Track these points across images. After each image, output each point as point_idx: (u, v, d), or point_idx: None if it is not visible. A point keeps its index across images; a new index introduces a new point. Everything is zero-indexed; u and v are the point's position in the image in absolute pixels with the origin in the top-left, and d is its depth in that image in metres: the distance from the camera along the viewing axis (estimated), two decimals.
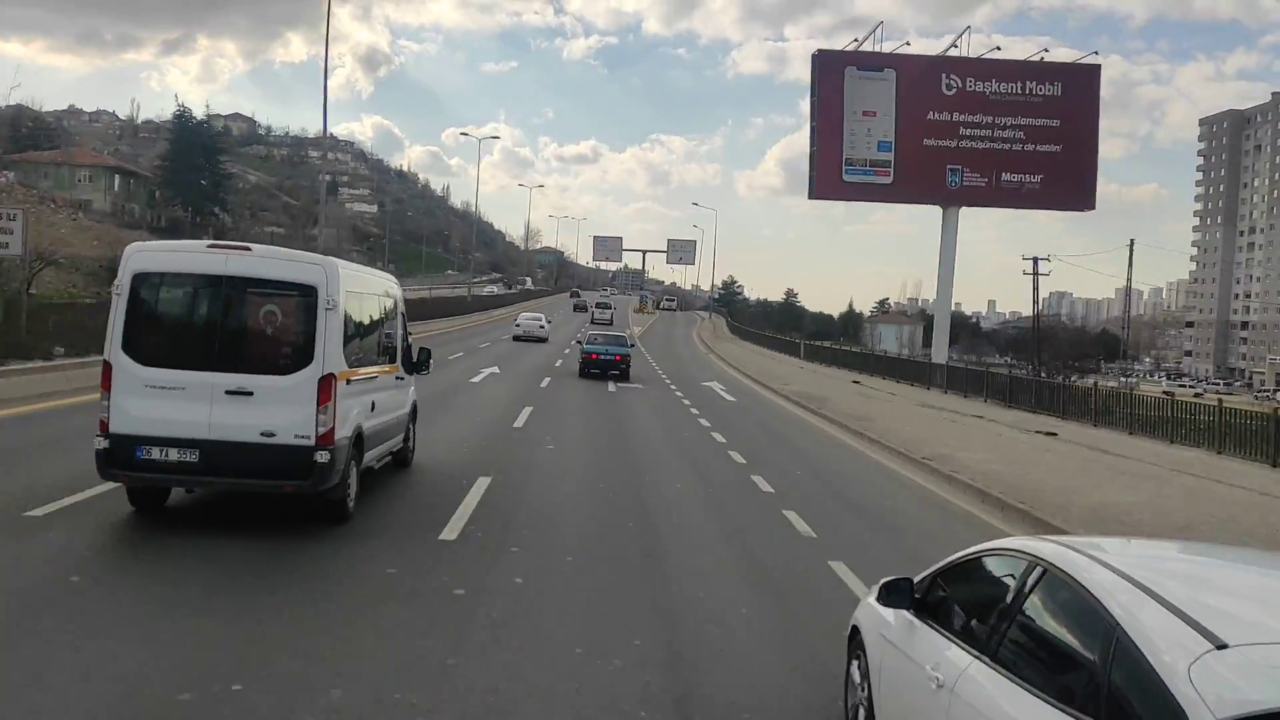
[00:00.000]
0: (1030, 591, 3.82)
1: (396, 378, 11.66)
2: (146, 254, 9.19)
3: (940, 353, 44.35)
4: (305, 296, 8.80)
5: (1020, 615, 3.82)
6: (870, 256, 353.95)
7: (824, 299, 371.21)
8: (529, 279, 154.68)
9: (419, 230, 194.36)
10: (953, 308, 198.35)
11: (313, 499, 8.96)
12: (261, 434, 8.48)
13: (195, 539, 8.49)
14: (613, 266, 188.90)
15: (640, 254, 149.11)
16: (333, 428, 8.71)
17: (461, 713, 5.23)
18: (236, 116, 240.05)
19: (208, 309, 9.06)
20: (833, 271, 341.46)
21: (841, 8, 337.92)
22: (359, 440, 9.59)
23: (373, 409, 10.19)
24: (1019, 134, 43.29)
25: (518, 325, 51.75)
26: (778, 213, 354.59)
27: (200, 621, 6.34)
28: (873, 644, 5.00)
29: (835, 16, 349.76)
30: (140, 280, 8.84)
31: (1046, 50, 45.20)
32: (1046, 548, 3.95)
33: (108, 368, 8.65)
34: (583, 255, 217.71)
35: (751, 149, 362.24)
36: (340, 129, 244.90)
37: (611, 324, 65.32)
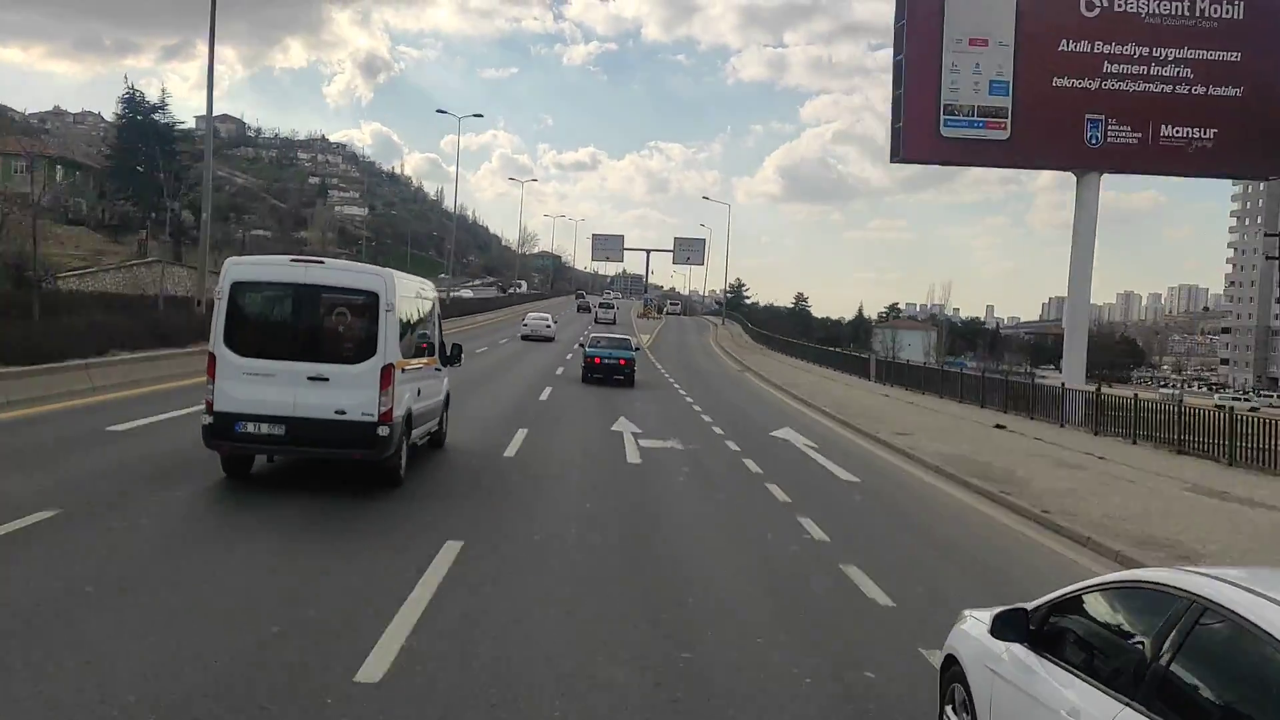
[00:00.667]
0: (1187, 632, 3.37)
1: (435, 368, 13.22)
2: (242, 266, 10.97)
3: (1074, 374, 31.51)
4: (368, 300, 10.42)
5: (1176, 659, 3.36)
6: (869, 262, 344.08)
7: (826, 305, 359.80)
8: (523, 283, 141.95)
9: (411, 233, 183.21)
10: (950, 314, 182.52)
11: (373, 466, 10.53)
12: (335, 412, 10.07)
13: (277, 497, 10.16)
14: (612, 270, 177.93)
15: (643, 254, 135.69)
16: (391, 408, 10.27)
17: None
18: (225, 118, 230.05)
19: (291, 310, 10.71)
20: (832, 277, 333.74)
21: (840, 14, 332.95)
22: (409, 419, 11.12)
23: (419, 394, 11.69)
24: (1185, 71, 30.49)
25: (525, 325, 52.05)
26: (776, 219, 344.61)
27: (299, 546, 8.34)
28: (978, 678, 4.52)
29: (835, 22, 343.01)
30: (237, 288, 10.46)
31: None
32: (1198, 582, 3.51)
33: (212, 358, 10.21)
34: (581, 259, 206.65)
35: (750, 156, 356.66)
36: (339, 135, 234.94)
37: (614, 323, 63.09)
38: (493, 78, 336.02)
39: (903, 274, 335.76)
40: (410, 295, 11.76)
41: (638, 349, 33.66)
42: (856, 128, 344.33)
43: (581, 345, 32.97)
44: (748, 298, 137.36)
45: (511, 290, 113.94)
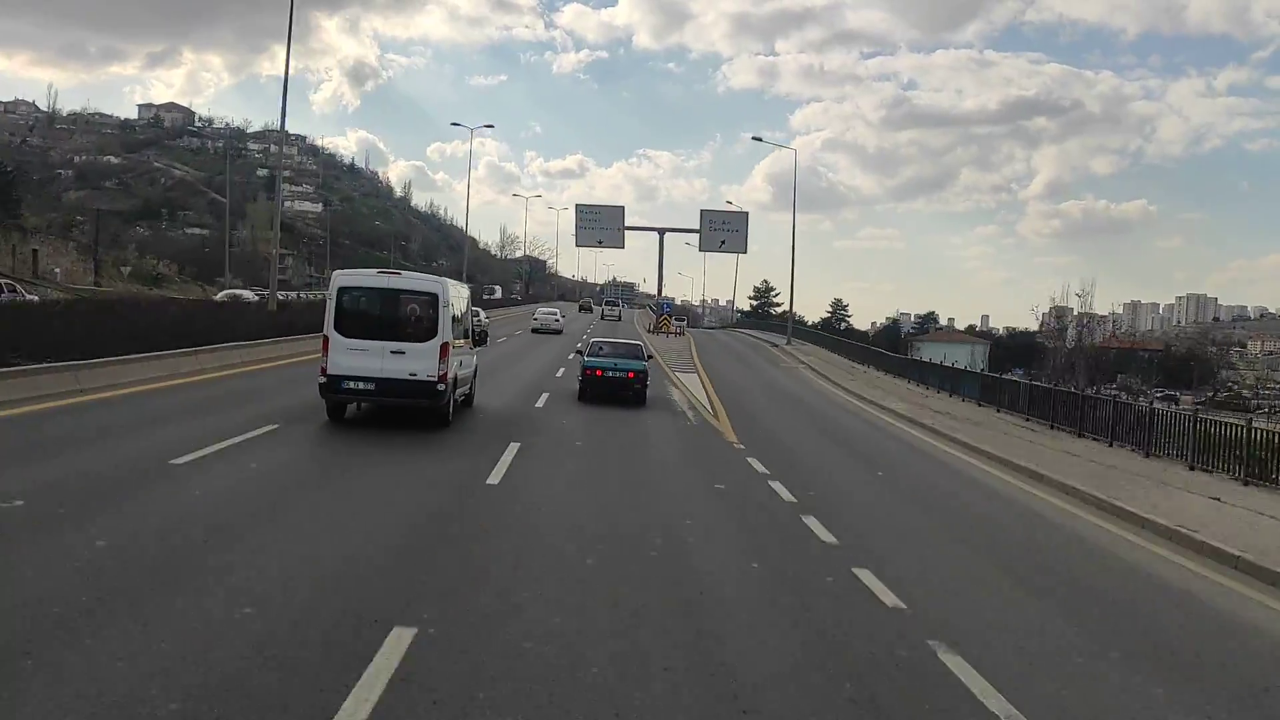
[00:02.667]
0: None
1: (469, 349, 18.37)
2: (345, 275, 15.68)
3: None
4: (430, 299, 14.98)
5: None
6: (859, 273, 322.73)
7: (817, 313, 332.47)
8: (498, 288, 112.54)
9: (372, 232, 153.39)
10: (953, 326, 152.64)
11: (431, 411, 15.01)
12: (409, 374, 14.55)
13: (364, 431, 14.70)
14: (602, 277, 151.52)
15: (655, 235, 79.57)
16: (446, 372, 14.81)
17: None
18: (171, 106, 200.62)
19: (379, 306, 15.15)
20: (823, 287, 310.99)
21: (833, 23, 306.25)
22: (455, 381, 15.69)
23: (460, 365, 16.35)
24: None
25: (535, 319, 54.67)
26: (766, 228, 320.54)
27: (390, 466, 11.92)
28: None
29: (827, 30, 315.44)
30: (342, 291, 14.97)
31: None
32: None
33: (326, 339, 14.60)
34: (565, 264, 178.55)
35: (739, 164, 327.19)
36: (325, 143, 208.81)
37: (620, 320, 61.29)
38: (482, 85, 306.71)
39: (894, 284, 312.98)
40: (456, 296, 16.33)
41: (650, 358, 24.47)
42: (846, 135, 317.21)
43: (580, 352, 24.18)
44: (777, 304, 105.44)
45: (484, 296, 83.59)
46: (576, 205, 78.58)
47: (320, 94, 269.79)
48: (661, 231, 76.13)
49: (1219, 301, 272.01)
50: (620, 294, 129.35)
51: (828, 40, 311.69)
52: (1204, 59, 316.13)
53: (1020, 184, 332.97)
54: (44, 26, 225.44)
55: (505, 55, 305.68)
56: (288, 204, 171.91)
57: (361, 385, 14.48)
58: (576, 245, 76.28)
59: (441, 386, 14.65)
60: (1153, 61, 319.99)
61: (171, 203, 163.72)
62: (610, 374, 21.95)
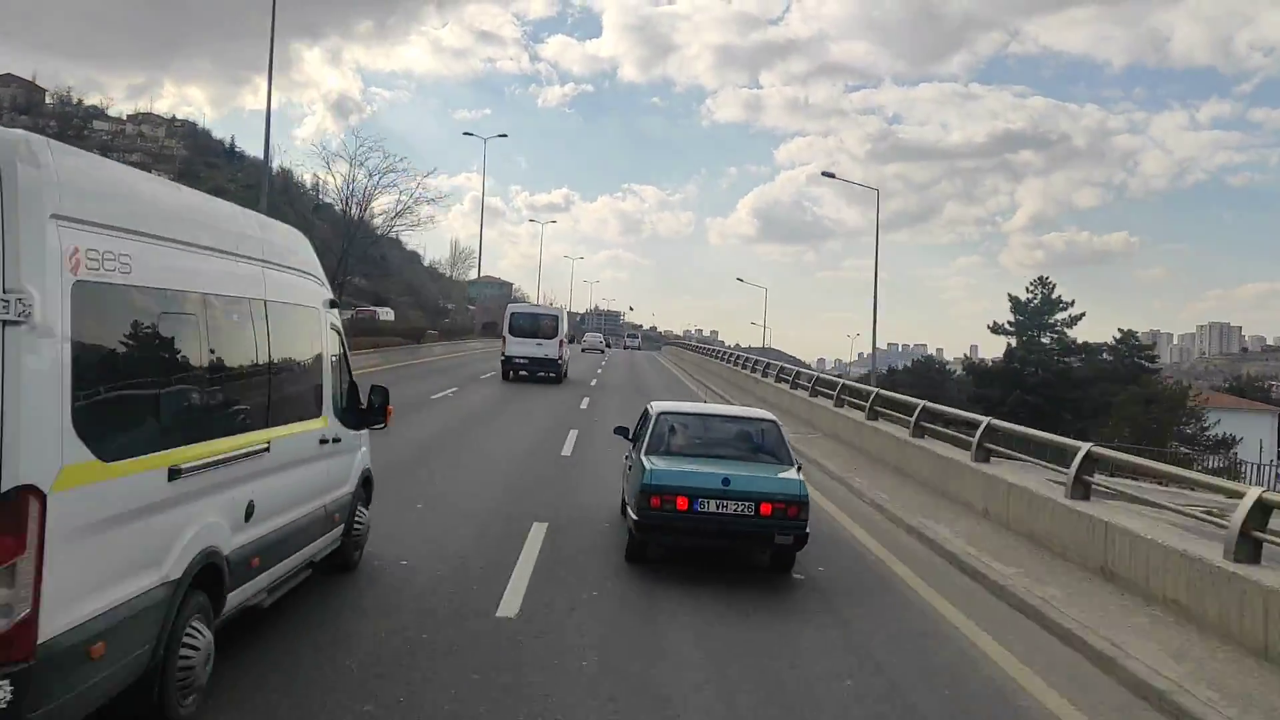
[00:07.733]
0: None
1: (568, 344, 35.59)
2: (515, 305, 36.98)
3: None
4: (556, 317, 32.72)
5: None
6: (839, 300, 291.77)
7: (799, 346, 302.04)
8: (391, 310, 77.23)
9: None
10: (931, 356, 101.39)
11: (555, 376, 31.19)
12: (545, 356, 30.99)
13: (521, 386, 29.19)
14: (580, 304, 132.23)
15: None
16: (561, 355, 31.81)
17: None
18: (9, 79, 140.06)
19: (530, 322, 31.61)
20: (807, 316, 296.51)
21: (817, 55, 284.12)
22: (564, 360, 32.73)
23: (567, 352, 33.58)
24: None
25: (585, 341, 74.66)
26: (750, 260, 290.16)
27: (537, 399, 25.96)
28: None
29: (811, 63, 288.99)
30: (511, 315, 32.14)
31: None
32: None
33: (504, 338, 31.52)
34: (529, 286, 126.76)
35: (724, 198, 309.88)
36: (310, 178, 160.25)
37: (640, 350, 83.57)
38: (466, 119, 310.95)
39: (867, 314, 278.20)
40: (566, 317, 34.73)
41: (800, 468, 8.68)
42: (832, 169, 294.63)
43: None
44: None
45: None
46: None
47: (304, 129, 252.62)
48: None
49: (1243, 331, 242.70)
50: (602, 324, 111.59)
51: (812, 72, 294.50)
52: (1188, 92, 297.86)
53: (1004, 217, 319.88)
54: (22, 57, 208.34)
55: (490, 88, 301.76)
56: None
57: (522, 361, 30.19)
58: None
59: (560, 363, 30.83)
60: (1137, 94, 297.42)
61: None
62: (711, 525, 8.08)
